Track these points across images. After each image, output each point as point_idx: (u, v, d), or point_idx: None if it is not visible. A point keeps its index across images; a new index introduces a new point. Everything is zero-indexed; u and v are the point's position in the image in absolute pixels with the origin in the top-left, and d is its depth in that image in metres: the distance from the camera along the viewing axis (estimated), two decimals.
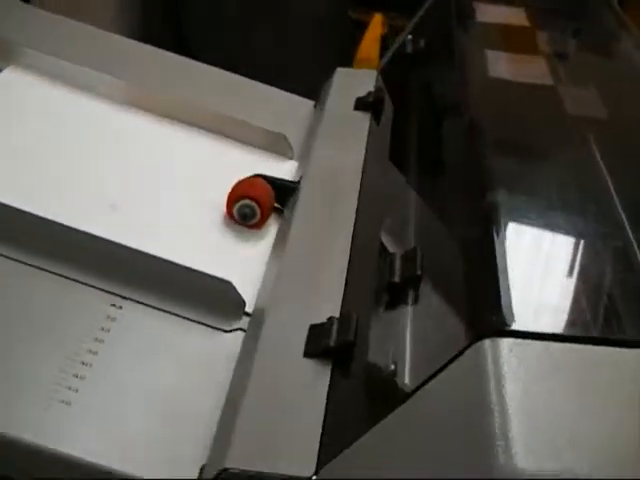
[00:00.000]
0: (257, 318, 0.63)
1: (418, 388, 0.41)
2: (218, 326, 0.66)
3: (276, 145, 0.90)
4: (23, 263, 0.65)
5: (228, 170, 0.85)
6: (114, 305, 0.64)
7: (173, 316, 0.65)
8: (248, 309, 0.67)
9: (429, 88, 0.81)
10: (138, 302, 0.65)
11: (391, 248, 0.63)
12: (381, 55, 2.52)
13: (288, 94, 1.11)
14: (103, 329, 0.62)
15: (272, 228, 0.79)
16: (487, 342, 0.38)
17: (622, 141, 0.69)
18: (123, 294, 0.65)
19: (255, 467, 0.48)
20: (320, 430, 0.50)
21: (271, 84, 1.08)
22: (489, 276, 0.42)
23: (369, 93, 0.92)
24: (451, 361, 0.39)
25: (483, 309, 0.40)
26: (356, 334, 0.55)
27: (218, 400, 0.59)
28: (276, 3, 2.23)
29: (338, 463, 0.46)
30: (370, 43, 2.55)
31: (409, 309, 0.51)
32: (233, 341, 0.65)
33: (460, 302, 0.45)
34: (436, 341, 0.44)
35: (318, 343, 0.57)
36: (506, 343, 0.38)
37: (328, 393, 0.53)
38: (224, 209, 0.78)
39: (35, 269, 0.65)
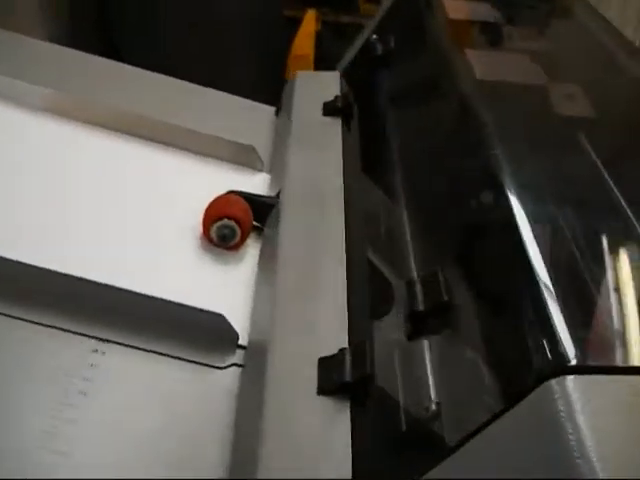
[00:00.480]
0: (256, 352, 0.58)
1: (474, 433, 0.37)
2: (211, 363, 0.60)
3: (244, 157, 0.85)
4: None
5: (197, 188, 0.79)
6: (96, 351, 0.58)
7: (161, 356, 0.60)
8: (241, 341, 0.62)
9: (406, 89, 0.78)
10: (121, 344, 0.59)
11: (390, 271, 0.59)
12: (316, 51, 2.50)
13: (245, 100, 1.05)
14: (85, 379, 0.55)
15: (251, 248, 0.74)
16: (554, 382, 0.35)
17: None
18: (104, 337, 0.59)
19: None
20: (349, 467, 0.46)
21: (208, 86, 1.02)
22: (535, 302, 0.39)
23: (337, 97, 0.88)
24: (513, 402, 0.36)
25: (540, 343, 0.37)
26: (373, 366, 0.51)
27: (222, 444, 0.54)
28: (208, 4, 2.15)
29: None
30: (304, 39, 2.51)
31: (435, 339, 0.47)
32: (228, 378, 0.60)
33: (503, 333, 0.41)
34: (478, 378, 0.41)
35: (331, 378, 0.52)
36: (575, 381, 0.35)
37: (352, 436, 0.49)
38: (199, 230, 0.73)
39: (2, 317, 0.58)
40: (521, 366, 0.38)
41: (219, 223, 0.70)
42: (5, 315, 0.58)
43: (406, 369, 0.48)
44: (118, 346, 0.59)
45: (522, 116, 0.63)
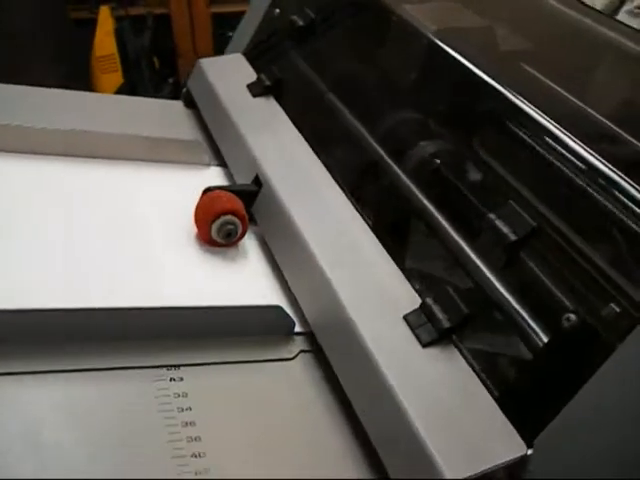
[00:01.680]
0: (333, 332, 0.57)
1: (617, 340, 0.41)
2: (281, 357, 0.59)
3: (192, 154, 0.81)
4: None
5: (166, 195, 0.75)
6: (173, 379, 0.54)
7: (233, 365, 0.57)
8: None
9: (353, 51, 0.78)
10: (191, 365, 0.55)
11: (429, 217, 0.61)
12: (120, 49, 2.38)
13: (143, 99, 1.00)
14: (181, 409, 0.51)
15: (245, 239, 0.71)
16: None
17: None
18: (172, 363, 0.55)
19: (474, 470, 0.45)
20: (498, 409, 0.49)
21: None
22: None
23: (260, 77, 0.87)
24: None
25: None
26: (467, 306, 0.53)
27: (340, 432, 0.54)
28: None
29: (550, 432, 0.45)
30: (105, 39, 2.39)
31: (532, 264, 0.50)
32: (299, 365, 0.59)
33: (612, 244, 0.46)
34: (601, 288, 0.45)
35: (428, 330, 0.54)
36: None
37: (475, 371, 0.51)
38: (193, 235, 0.69)
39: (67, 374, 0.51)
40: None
41: (220, 221, 0.67)
42: (58, 371, 0.52)
43: (506, 300, 0.51)
44: (189, 368, 0.55)
45: (486, 54, 0.68)
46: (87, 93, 0.91)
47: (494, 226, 0.52)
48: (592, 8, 0.75)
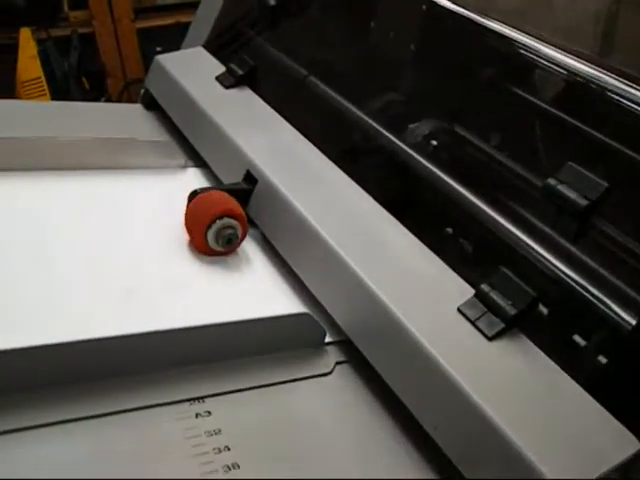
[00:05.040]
0: (377, 338, 0.49)
1: None
2: (318, 372, 0.50)
3: (165, 156, 0.71)
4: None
5: (144, 205, 0.65)
6: (197, 415, 0.44)
7: (266, 388, 0.48)
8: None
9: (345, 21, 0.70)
10: (220, 394, 0.46)
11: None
12: (46, 72, 2.23)
13: (100, 104, 0.90)
14: (217, 450, 0.42)
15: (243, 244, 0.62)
16: None
17: None
18: (197, 395, 0.45)
19: (586, 477, 0.38)
20: (596, 403, 0.41)
21: None
22: None
23: (230, 68, 0.78)
24: None
25: None
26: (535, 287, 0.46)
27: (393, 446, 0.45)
28: None
29: None
30: (28, 63, 2.24)
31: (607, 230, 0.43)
32: (338, 379, 0.50)
33: None
34: None
35: (491, 320, 0.46)
36: None
37: (557, 362, 0.44)
38: (186, 246, 0.60)
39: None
40: None
41: (217, 226, 0.58)
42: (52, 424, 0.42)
43: (582, 276, 0.44)
44: (214, 398, 0.46)
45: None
46: (30, 102, 0.80)
47: (557, 193, 0.45)
48: None
